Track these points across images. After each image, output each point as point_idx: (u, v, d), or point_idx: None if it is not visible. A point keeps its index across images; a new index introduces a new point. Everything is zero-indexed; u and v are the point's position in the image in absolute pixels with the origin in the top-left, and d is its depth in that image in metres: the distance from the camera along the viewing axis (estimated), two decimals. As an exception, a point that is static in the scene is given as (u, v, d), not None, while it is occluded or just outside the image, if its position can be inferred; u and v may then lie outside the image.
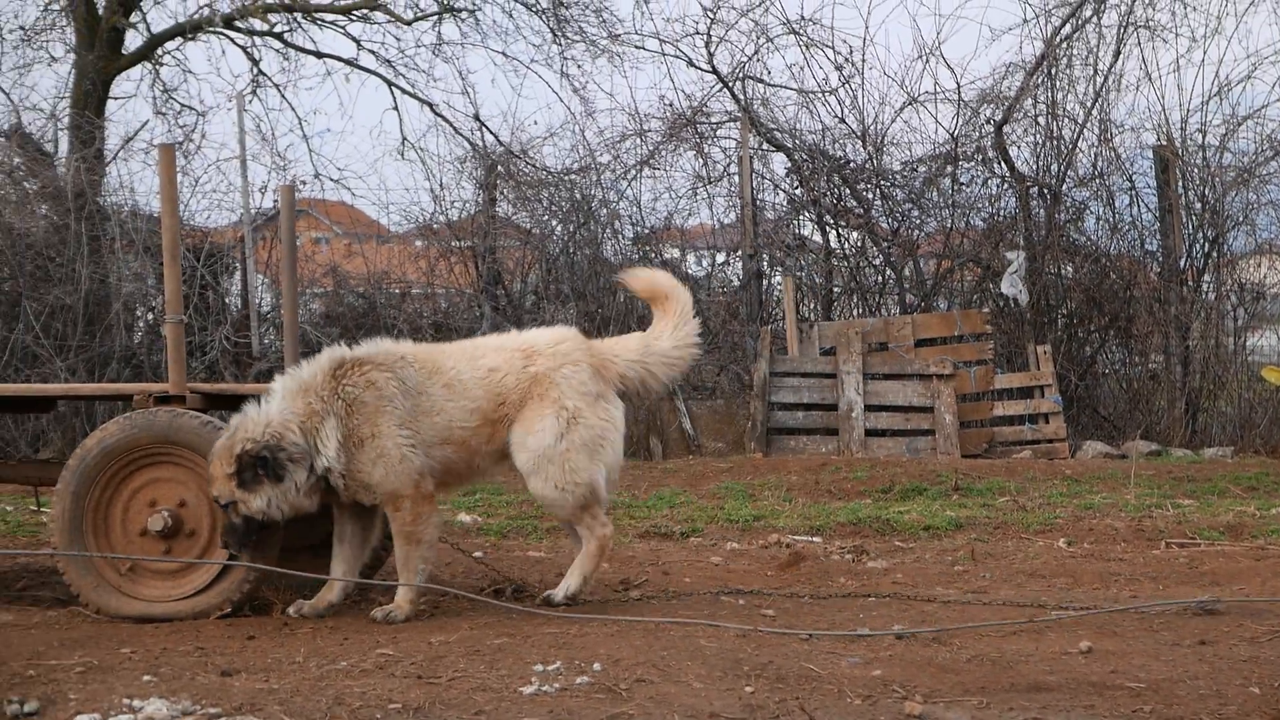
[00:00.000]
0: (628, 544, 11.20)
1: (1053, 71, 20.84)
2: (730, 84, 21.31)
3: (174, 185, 8.48)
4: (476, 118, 21.68)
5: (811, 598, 8.85)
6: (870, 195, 21.15)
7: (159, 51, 22.15)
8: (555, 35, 22.44)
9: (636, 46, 22.40)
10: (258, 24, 21.99)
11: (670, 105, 21.62)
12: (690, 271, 21.58)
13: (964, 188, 21.13)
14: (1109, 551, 10.91)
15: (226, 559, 7.86)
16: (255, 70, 22.32)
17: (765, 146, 21.17)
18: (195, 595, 7.89)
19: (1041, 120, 20.93)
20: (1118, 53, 20.93)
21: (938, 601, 8.69)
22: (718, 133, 21.56)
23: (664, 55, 22.20)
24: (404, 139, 22.30)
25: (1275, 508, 12.71)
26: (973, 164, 21.02)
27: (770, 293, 20.70)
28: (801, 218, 21.61)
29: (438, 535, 8.14)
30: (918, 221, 21.28)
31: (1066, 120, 20.93)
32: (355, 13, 22.23)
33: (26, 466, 8.91)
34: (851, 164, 21.08)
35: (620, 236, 20.99)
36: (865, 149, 21.21)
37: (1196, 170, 20.55)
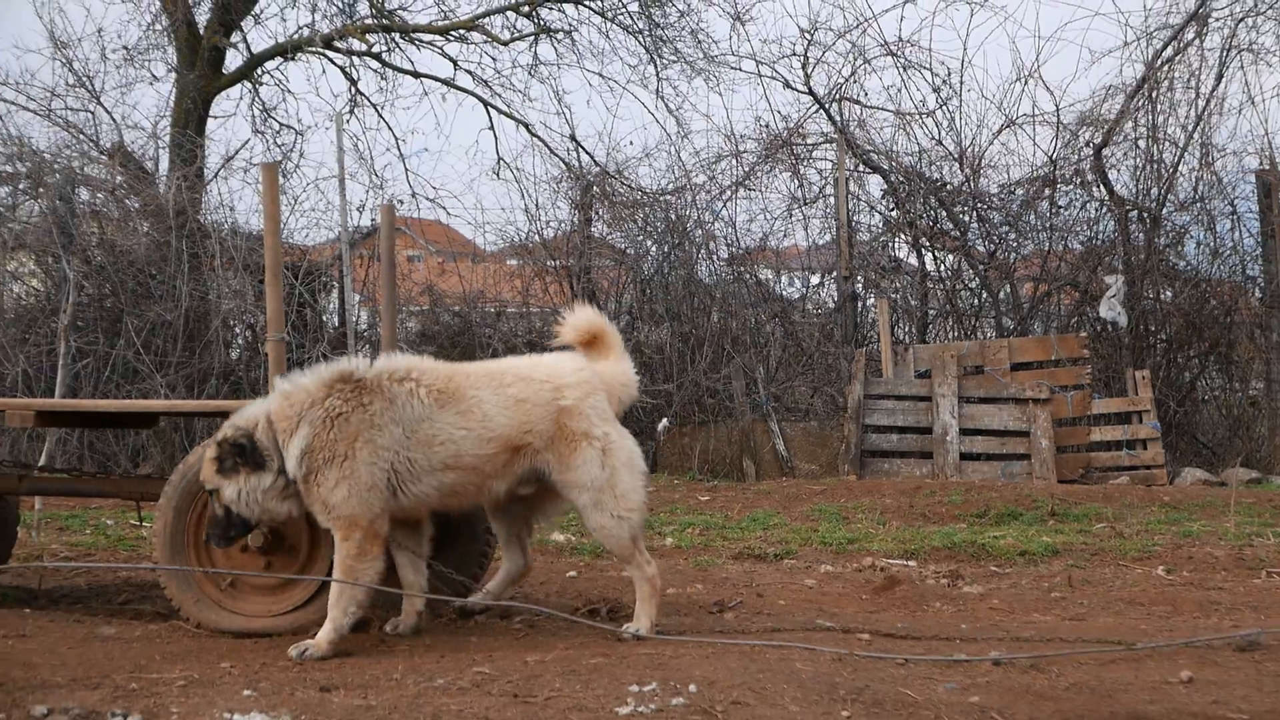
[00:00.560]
0: (721, 565, 11.19)
1: (1154, 94, 20.67)
2: (827, 105, 21.28)
3: (276, 204, 8.56)
4: (573, 138, 21.77)
5: (905, 625, 8.80)
6: (967, 218, 21.05)
7: (259, 71, 22.40)
8: (651, 56, 22.51)
9: (733, 68, 22.46)
10: (356, 44, 22.20)
11: (766, 126, 21.66)
12: (784, 293, 21.54)
13: (1062, 211, 20.99)
14: (1209, 580, 10.78)
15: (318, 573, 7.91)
16: (353, 90, 22.54)
17: (861, 168, 21.13)
18: (294, 611, 7.94)
19: (1142, 143, 20.76)
20: (1220, 76, 20.74)
21: (1034, 628, 8.61)
22: (813, 154, 21.56)
23: (760, 76, 22.28)
24: (499, 158, 22.47)
25: (1379, 537, 12.51)
26: (1071, 187, 20.89)
27: (865, 315, 20.62)
28: (897, 240, 21.55)
29: (375, 580, 7.64)
30: (1014, 244, 21.16)
31: (1167, 144, 20.75)
32: (453, 33, 22.39)
33: (128, 481, 8.99)
34: (948, 186, 20.99)
35: (715, 257, 21.00)
36: (962, 171, 21.12)
37: (1299, 194, 20.30)
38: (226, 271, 18.38)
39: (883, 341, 18.78)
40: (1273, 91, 27.33)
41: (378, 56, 22.39)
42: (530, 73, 22.61)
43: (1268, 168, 20.16)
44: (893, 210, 21.25)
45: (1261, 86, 27.53)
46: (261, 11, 22.60)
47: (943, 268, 21.27)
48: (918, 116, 21.43)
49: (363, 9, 22.31)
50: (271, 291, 8.42)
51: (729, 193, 21.12)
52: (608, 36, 23.30)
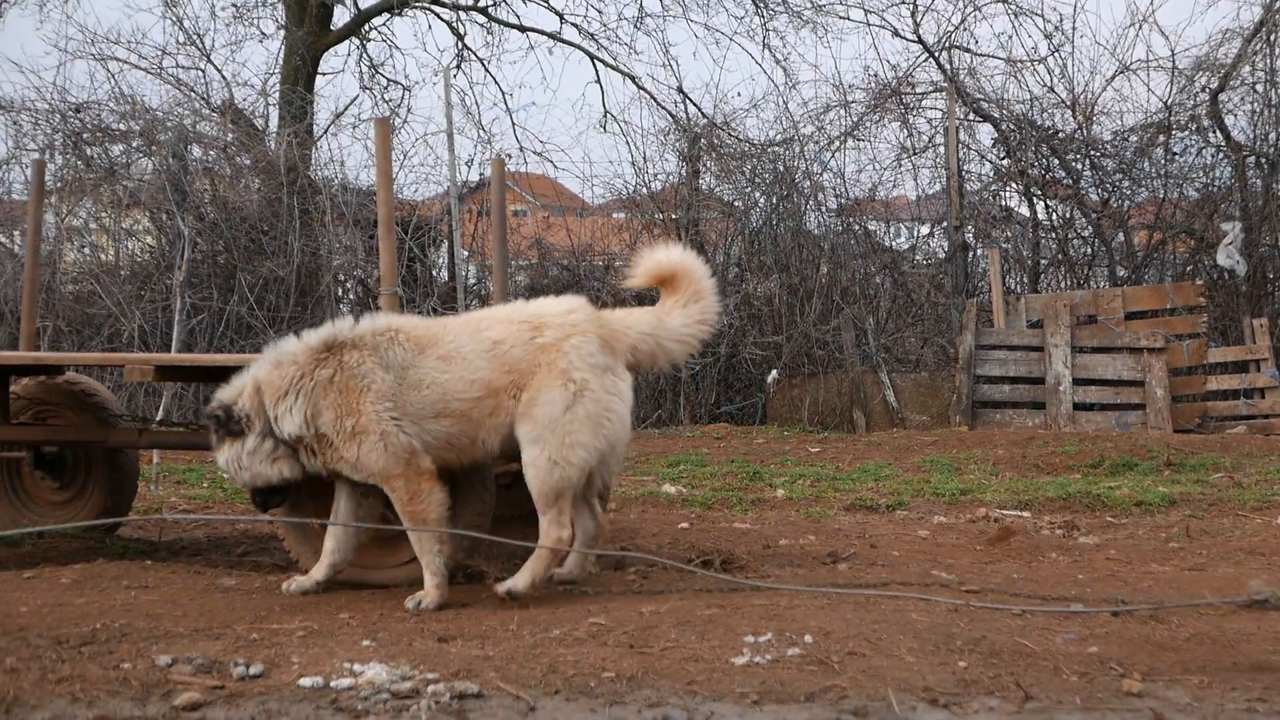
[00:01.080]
0: (833, 517, 11.16)
1: (1271, 38, 20.30)
2: (936, 54, 21.10)
3: (389, 158, 8.60)
4: (680, 90, 21.72)
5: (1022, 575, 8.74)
6: (1079, 165, 20.82)
7: (366, 27, 22.50)
8: (758, 6, 22.39)
9: (840, 17, 22.31)
10: (463, -1, 22.25)
11: (875, 76, 21.49)
12: (893, 244, 21.41)
13: (1177, 157, 20.72)
14: (1330, 529, 10.64)
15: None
16: (460, 45, 22.59)
17: (971, 117, 20.93)
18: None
19: (1259, 88, 20.40)
20: (1341, 16, 20.34)
21: (1152, 579, 8.53)
22: (923, 103, 21.39)
23: (869, 25, 22.09)
24: (606, 112, 22.42)
25: None
26: (1186, 133, 20.59)
27: (976, 265, 20.47)
28: (1008, 189, 21.33)
29: (446, 514, 7.67)
30: (1128, 192, 20.91)
31: (1286, 87, 20.39)
32: (559, -14, 22.38)
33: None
34: (1060, 134, 20.76)
35: (823, 209, 20.90)
36: (1075, 118, 20.88)
37: None
38: (337, 227, 18.51)
39: (994, 291, 18.63)
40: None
41: (484, 11, 22.43)
42: (636, 25, 22.58)
43: (1390, 111, 19.77)
44: (1003, 159, 21.05)
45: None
46: (369, -33, 22.66)
47: (1054, 216, 21.06)
48: (1029, 63, 21.20)
49: (469, -37, 22.35)
50: (385, 246, 8.46)
51: (837, 143, 21.00)
52: (713, -13, 23.20)
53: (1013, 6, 21.37)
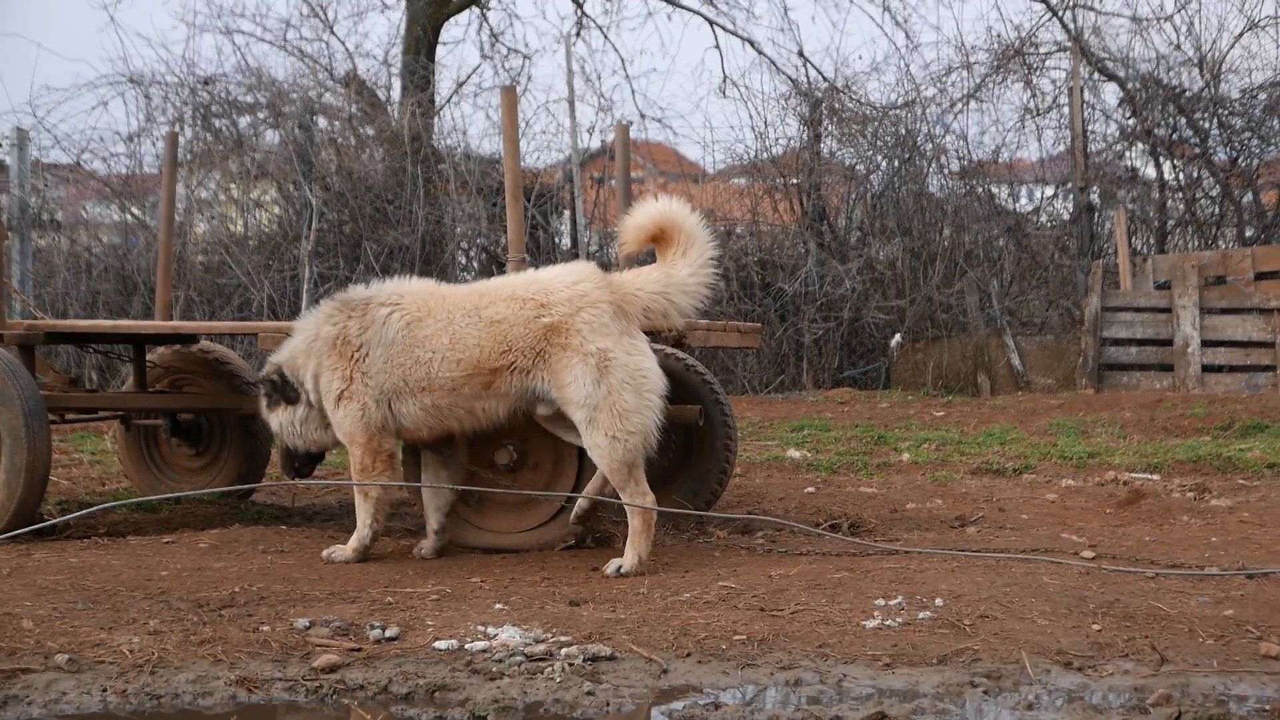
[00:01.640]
0: (959, 480, 11.12)
1: (1404, -11, 19.91)
2: (1060, 13, 20.85)
3: (515, 126, 8.65)
4: (800, 54, 21.59)
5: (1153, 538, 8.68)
6: (1207, 125, 20.51)
7: (486, -4, 22.58)
8: (879, -32, 22.22)
9: (962, -23, 22.07)
10: (582, -34, 22.27)
11: (998, 36, 21.26)
12: (1017, 206, 21.23)
13: (1308, 114, 20.35)
14: None
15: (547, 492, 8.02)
16: (579, 12, 22.60)
17: (1096, 76, 20.69)
18: (540, 527, 8.08)
19: (1393, 42, 20.02)
20: None
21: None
22: (1046, 63, 21.15)
23: (991, -15, 21.81)
24: (726, 77, 22.36)
25: None
26: (1318, 89, 20.23)
27: (1101, 226, 20.25)
28: (1134, 149, 21.06)
29: (387, 496, 7.96)
30: (1257, 151, 20.56)
31: None
32: (676, -49, 22.34)
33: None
34: (1187, 92, 20.46)
35: (945, 171, 20.75)
36: (1202, 76, 20.57)
37: None
38: (460, 195, 18.63)
39: (1120, 253, 18.44)
40: None
41: (603, -23, 22.46)
42: (755, -11, 22.48)
43: None
44: (1129, 119, 20.78)
45: None
46: (488, -64, 22.73)
47: (1181, 176, 20.77)
48: (1155, 21, 20.90)
49: (588, -70, 22.36)
50: (512, 213, 8.52)
51: (959, 105, 20.83)
52: (833, -51, 23.06)
53: (1139, -37, 21.10)
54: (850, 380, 18.84)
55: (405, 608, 6.62)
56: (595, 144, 20.98)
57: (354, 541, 7.91)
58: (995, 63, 21.01)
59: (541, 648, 5.83)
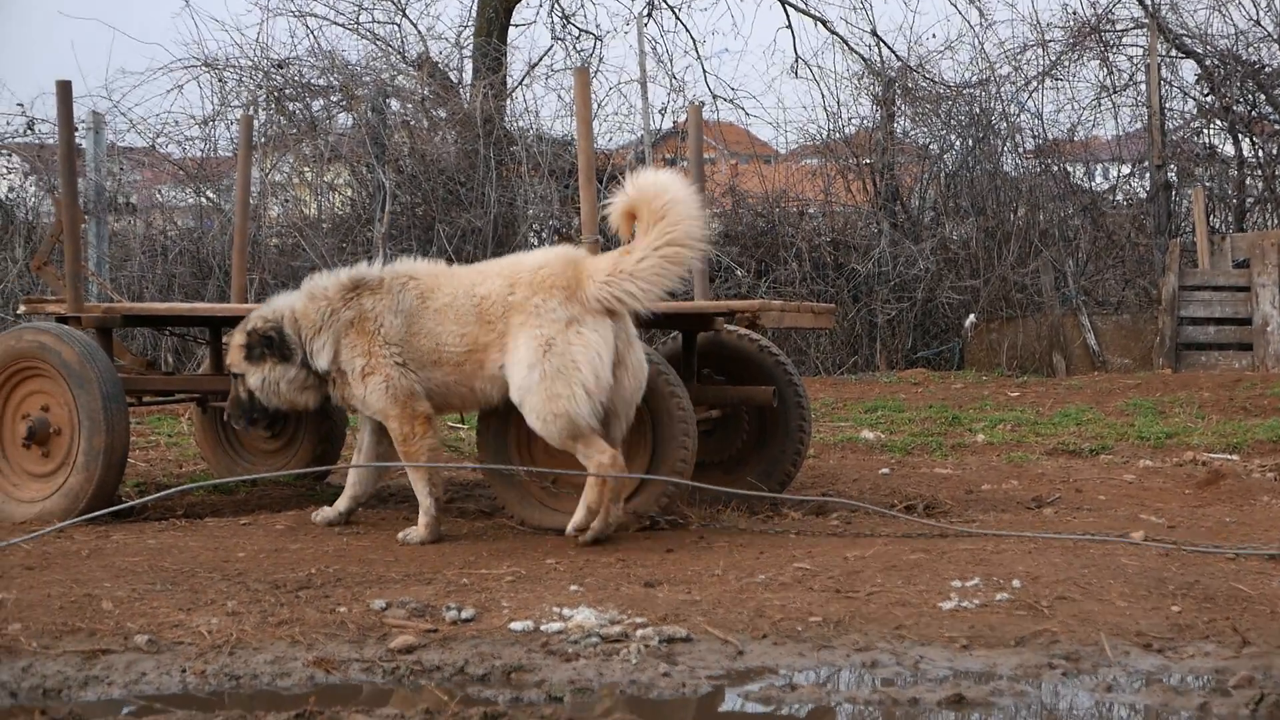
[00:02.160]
0: (1035, 461, 11.04)
1: None
2: (1137, -11, 20.65)
3: (588, 107, 8.63)
4: (873, 33, 21.48)
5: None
6: (1286, 100, 20.28)
7: (559, -23, 22.56)
8: (951, -55, 22.07)
9: (1037, -46, 21.91)
10: (654, -53, 22.21)
11: (1074, 14, 21.07)
12: (1093, 184, 21.04)
13: (1392, 90, 20.08)
14: None
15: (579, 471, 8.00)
16: (651, -8, 22.55)
17: (1174, 53, 20.47)
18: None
19: None
20: None
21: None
22: (1123, 40, 20.96)
23: (1068, -38, 21.62)
24: (797, 57, 22.27)
25: None
26: (1403, 64, 19.95)
27: (1178, 205, 20.05)
28: (1212, 126, 20.84)
29: (435, 458, 8.06)
30: (1338, 127, 20.32)
31: None
32: (748, -69, 22.25)
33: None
34: (1266, 68, 20.21)
35: (1020, 150, 20.60)
36: (1282, 52, 20.33)
37: None
38: (532, 177, 18.65)
39: (1198, 231, 18.27)
40: None
41: (675, -42, 22.38)
42: (827, -32, 22.34)
43: None
44: (1207, 95, 20.56)
45: None
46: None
47: (1260, 154, 20.54)
48: (1234, -4, 20.67)
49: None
50: (585, 194, 8.50)
51: (1034, 83, 20.67)
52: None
53: (1217, -63, 20.84)
54: (924, 361, 18.75)
55: (480, 589, 6.63)
56: (667, 125, 20.96)
57: (423, 518, 7.97)
58: (1071, 40, 20.83)
59: (617, 629, 5.83)
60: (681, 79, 21.80)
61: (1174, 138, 20.24)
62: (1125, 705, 5.14)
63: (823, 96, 21.57)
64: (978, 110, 20.30)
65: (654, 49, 21.66)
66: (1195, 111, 20.82)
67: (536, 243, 19.01)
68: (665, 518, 8.18)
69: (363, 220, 18.50)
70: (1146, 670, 5.41)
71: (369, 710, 5.01)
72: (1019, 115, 20.56)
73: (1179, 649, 5.59)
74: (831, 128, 20.96)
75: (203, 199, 19.61)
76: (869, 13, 21.80)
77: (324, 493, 9.65)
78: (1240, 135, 20.47)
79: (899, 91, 20.72)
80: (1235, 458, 11.09)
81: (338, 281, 8.09)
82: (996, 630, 5.82)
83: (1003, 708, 5.06)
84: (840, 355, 18.79)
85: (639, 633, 5.79)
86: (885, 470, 10.58)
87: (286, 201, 19.90)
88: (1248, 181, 20.49)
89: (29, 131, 18.91)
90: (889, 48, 21.43)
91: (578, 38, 22.39)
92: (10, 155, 19.63)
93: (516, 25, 22.29)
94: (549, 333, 7.57)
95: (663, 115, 20.76)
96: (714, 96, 21.71)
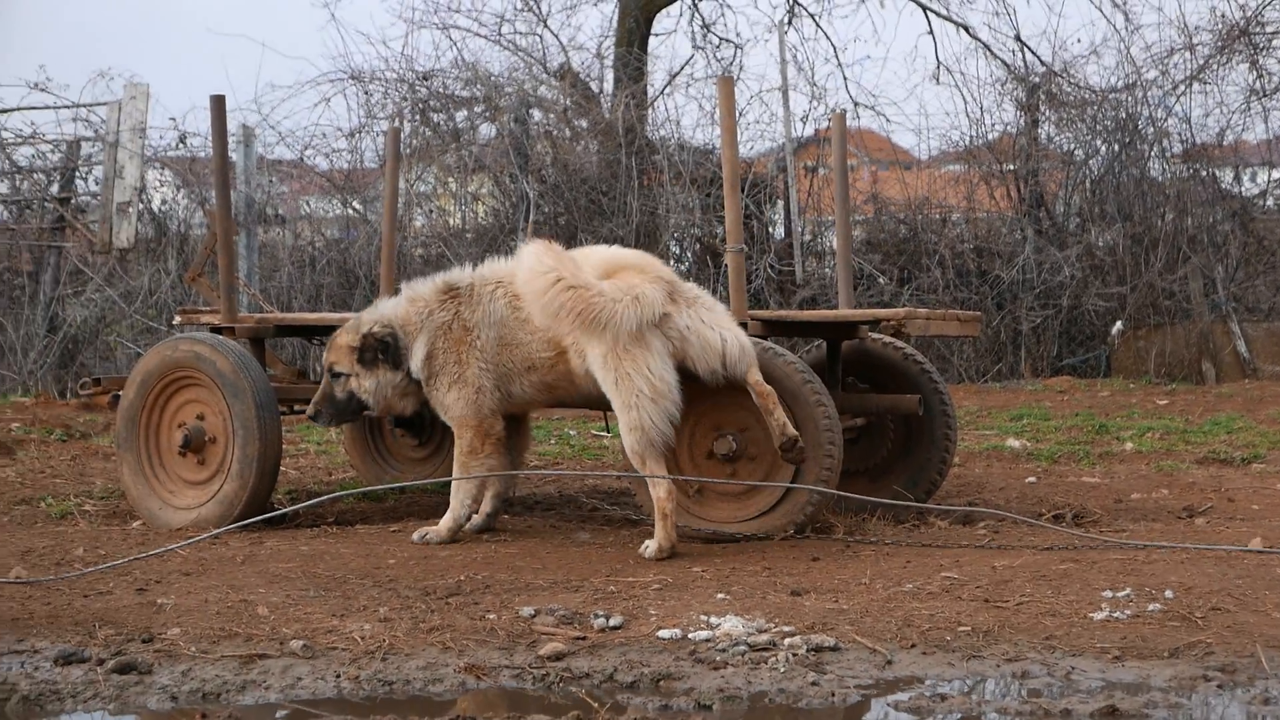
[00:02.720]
0: (1185, 470, 10.89)
1: None
2: (1288, -10, 20.30)
3: (733, 116, 8.64)
4: (1017, 38, 21.28)
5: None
6: None
7: (699, -13, 22.58)
8: (1096, -51, 21.80)
9: (1186, -44, 21.61)
10: (795, -46, 22.16)
11: (1222, 16, 20.73)
12: (1243, 189, 20.67)
13: None
14: None
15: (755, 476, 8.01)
16: (791, 1, 22.52)
17: (1326, 55, 20.10)
18: (760, 517, 8.06)
19: None
20: None
21: None
22: (1273, 43, 20.58)
23: (1217, -36, 21.28)
24: (939, 63, 22.12)
25: None
26: None
27: (1334, 208, 19.69)
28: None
29: (485, 474, 8.26)
30: None
31: None
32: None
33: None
34: None
35: (1167, 155, 20.31)
36: None
37: None
38: (674, 186, 18.69)
39: (1353, 236, 17.93)
40: None
41: (815, -35, 22.32)
42: (969, -26, 22.13)
43: None
44: (1360, 98, 20.17)
45: None
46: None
47: None
48: (1389, -4, 20.25)
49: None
50: (730, 203, 8.51)
51: (1182, 87, 20.36)
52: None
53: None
54: (1069, 368, 18.56)
55: (628, 597, 6.67)
56: (808, 132, 20.90)
57: (448, 519, 8.20)
58: (1220, 43, 20.50)
59: (765, 637, 5.85)
60: (822, 86, 21.64)
61: (1327, 141, 19.88)
62: (1282, 718, 5.07)
63: (965, 103, 21.27)
64: (1124, 115, 20.04)
65: (794, 56, 21.60)
66: (1350, 113, 20.42)
67: (678, 251, 19.07)
68: (812, 526, 8.15)
69: (506, 230, 18.65)
70: (1304, 683, 5.33)
71: (520, 716, 5.06)
72: (1166, 119, 20.27)
73: (1337, 662, 5.51)
74: (974, 134, 20.81)
75: (349, 210, 19.88)
76: (1012, 18, 21.49)
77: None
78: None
79: (1043, 97, 20.51)
80: (1393, 467, 10.88)
81: (434, 285, 8.28)
82: (1149, 641, 5.77)
83: (1157, 720, 5.02)
84: (984, 363, 18.65)
85: (787, 641, 5.80)
86: (1032, 479, 10.49)
87: (431, 212, 20.11)
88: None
89: (181, 145, 19.30)
90: (1033, 53, 21.22)
91: (718, 46, 22.40)
92: (163, 169, 20.03)
93: (657, 35, 22.36)
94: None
95: (804, 123, 20.71)
96: (855, 103, 21.62)
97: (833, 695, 5.29)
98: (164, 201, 19.96)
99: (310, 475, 10.99)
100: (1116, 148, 19.97)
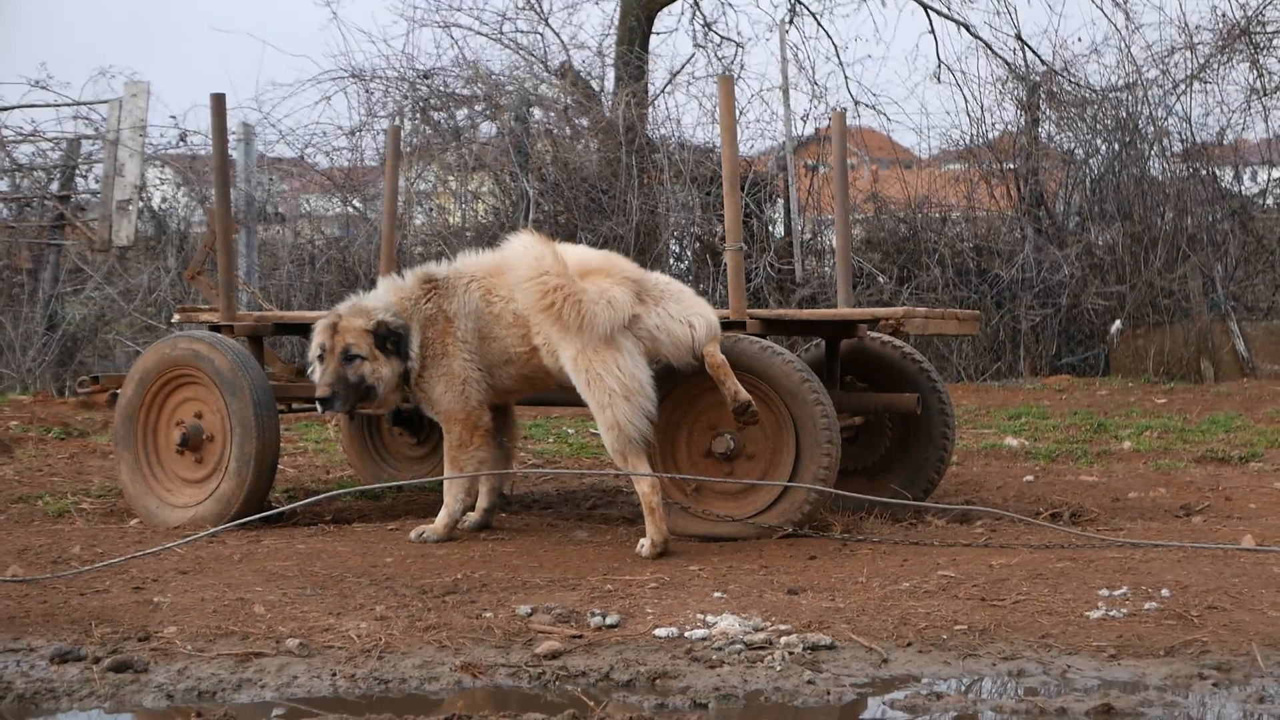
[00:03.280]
0: (1183, 469, 10.89)
1: None
2: (1287, -11, 20.28)
3: (733, 115, 8.64)
4: (1018, 37, 21.26)
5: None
6: None
7: (700, -15, 22.56)
8: (1096, -52, 21.77)
9: (1186, -46, 21.59)
10: (795, -47, 22.16)
11: (1223, 16, 20.72)
12: (1242, 188, 20.67)
13: None
14: None
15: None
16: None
17: (1326, 54, 20.08)
18: (757, 515, 8.07)
19: None
20: None
21: None
22: (1274, 42, 20.56)
23: (1218, -38, 21.27)
24: (940, 62, 22.10)
25: None
26: None
27: (1331, 208, 19.67)
28: (1369, 128, 20.41)
29: (478, 469, 8.30)
30: None
31: None
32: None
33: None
34: None
35: (1168, 154, 20.30)
36: None
37: None
38: (674, 185, 18.68)
39: (1352, 235, 17.92)
40: None
41: (816, -37, 22.31)
42: (970, -28, 22.12)
43: None
44: (1361, 97, 20.15)
45: None
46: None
47: None
48: (1388, -5, 20.23)
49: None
50: (730, 202, 8.51)
51: (1182, 86, 20.35)
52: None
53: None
54: (1068, 367, 18.55)
55: (625, 595, 6.68)
56: (808, 131, 20.88)
57: (443, 516, 8.24)
58: (1220, 43, 20.48)
59: (761, 636, 5.85)
60: (823, 85, 21.60)
61: (1327, 140, 19.87)
62: (1278, 718, 5.07)
63: (966, 101, 21.24)
64: (1124, 114, 20.02)
65: (795, 55, 21.59)
66: (1350, 113, 20.40)
67: (678, 250, 19.06)
68: (810, 524, 8.15)
69: (506, 228, 18.55)
70: (1300, 682, 5.34)
71: (516, 715, 5.06)
72: (1166, 119, 20.26)
73: (1333, 661, 5.51)
74: (975, 133, 20.79)
75: (349, 208, 19.87)
76: (1013, 17, 21.45)
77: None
78: (1396, 137, 20.06)
79: (1043, 96, 20.50)
80: (1390, 466, 10.88)
81: (414, 277, 8.29)
82: (1145, 640, 5.77)
83: (1152, 719, 5.01)
84: (983, 361, 18.64)
85: (783, 640, 5.81)
86: (1029, 478, 10.48)
87: (431, 210, 20.10)
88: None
89: (181, 143, 19.29)
90: (1033, 52, 21.20)
91: (719, 45, 22.37)
92: (163, 166, 20.03)
93: (658, 33, 22.32)
94: None
95: (804, 121, 20.69)
96: (856, 102, 21.60)
97: (828, 694, 5.29)
98: (164, 199, 19.94)
99: (308, 473, 10.99)
100: (1117, 147, 19.96)
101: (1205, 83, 20.28)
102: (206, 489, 8.73)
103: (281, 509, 8.82)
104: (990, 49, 21.35)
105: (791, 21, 22.20)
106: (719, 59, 22.07)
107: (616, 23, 21.66)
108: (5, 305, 18.33)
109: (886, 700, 5.27)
